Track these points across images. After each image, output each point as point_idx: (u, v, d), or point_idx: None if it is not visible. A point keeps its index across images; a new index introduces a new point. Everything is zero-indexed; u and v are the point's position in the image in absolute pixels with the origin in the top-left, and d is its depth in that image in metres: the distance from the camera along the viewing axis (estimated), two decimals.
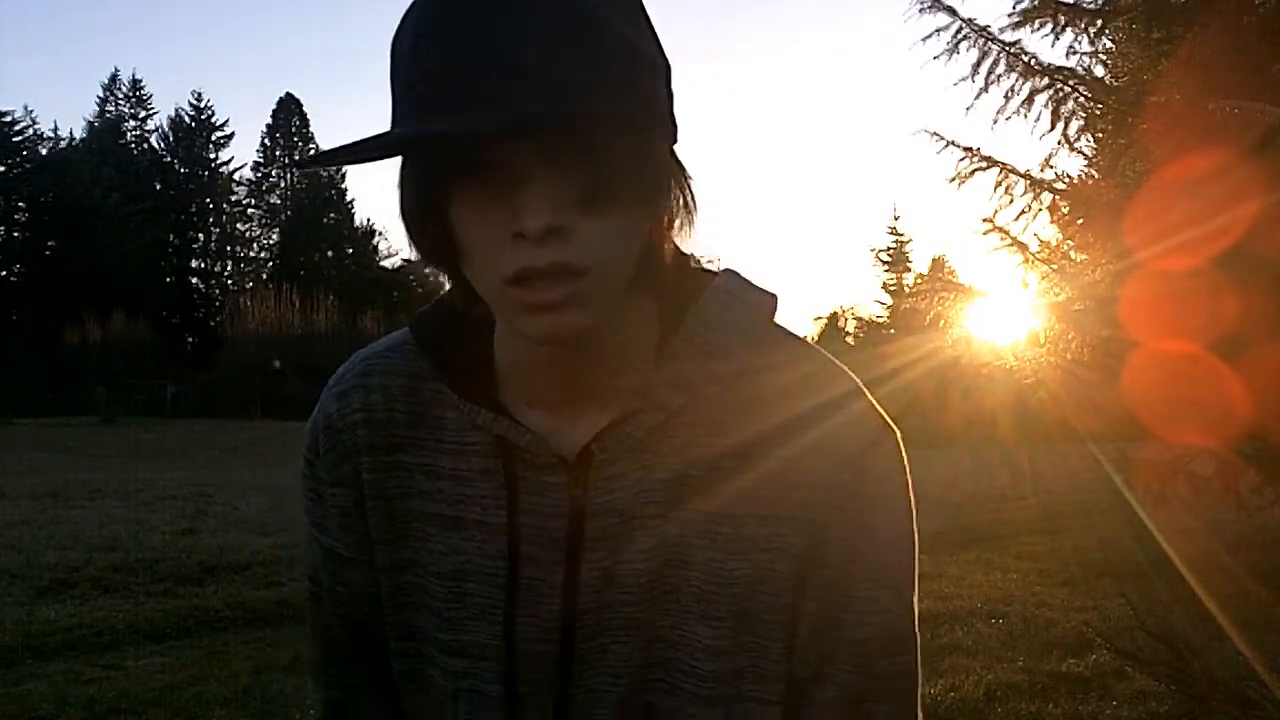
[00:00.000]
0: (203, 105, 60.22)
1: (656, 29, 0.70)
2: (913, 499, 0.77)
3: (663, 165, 0.69)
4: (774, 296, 0.79)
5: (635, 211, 0.67)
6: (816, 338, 50.62)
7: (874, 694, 0.75)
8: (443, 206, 0.66)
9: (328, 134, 63.88)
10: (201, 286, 60.36)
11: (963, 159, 4.14)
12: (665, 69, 0.70)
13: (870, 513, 0.74)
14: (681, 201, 0.71)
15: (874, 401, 0.78)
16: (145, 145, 60.36)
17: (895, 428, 0.78)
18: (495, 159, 0.63)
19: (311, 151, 60.40)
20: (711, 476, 0.74)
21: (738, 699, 0.74)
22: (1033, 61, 4.07)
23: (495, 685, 0.77)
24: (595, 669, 0.75)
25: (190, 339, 55.36)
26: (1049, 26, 4.00)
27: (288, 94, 65.29)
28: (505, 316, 0.70)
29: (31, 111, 74.06)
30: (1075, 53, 4.09)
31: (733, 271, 0.80)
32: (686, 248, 0.79)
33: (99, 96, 62.89)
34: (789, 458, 0.73)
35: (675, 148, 0.71)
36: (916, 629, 0.78)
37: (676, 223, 0.72)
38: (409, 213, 0.69)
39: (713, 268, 0.81)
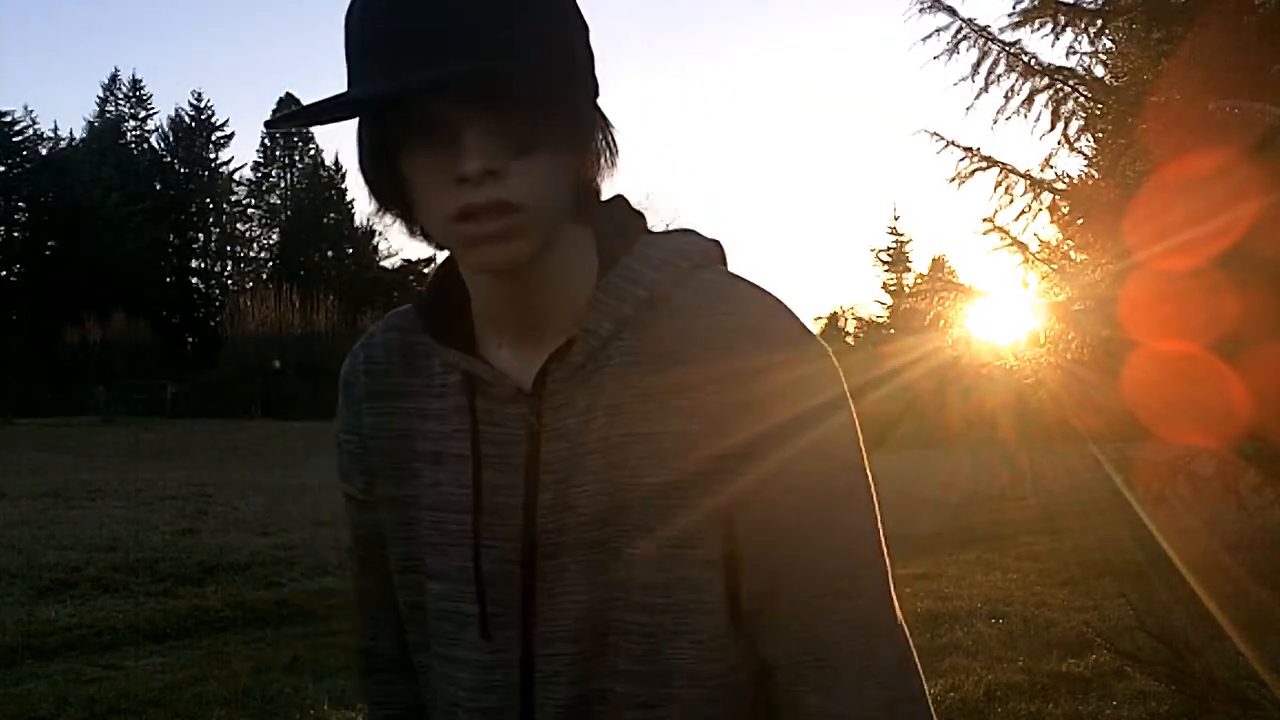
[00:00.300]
0: (203, 105, 60.28)
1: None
2: (838, 379, 0.82)
3: (585, 115, 0.78)
4: (714, 242, 0.87)
5: (562, 154, 0.75)
6: None
7: (840, 593, 0.79)
8: (394, 158, 0.75)
9: (327, 133, 63.92)
10: (201, 286, 60.36)
11: (963, 159, 4.14)
12: (584, 31, 0.78)
13: (797, 423, 0.79)
14: (605, 145, 0.80)
15: (797, 321, 0.82)
16: (145, 145, 60.37)
17: (821, 342, 0.82)
18: (437, 114, 0.72)
19: (311, 150, 60.78)
20: (653, 401, 0.79)
21: (682, 609, 0.79)
22: (1033, 61, 4.06)
23: (471, 605, 0.84)
24: (557, 587, 0.81)
25: (190, 339, 55.35)
26: (1049, 26, 3.99)
27: (288, 94, 65.23)
28: (455, 251, 0.78)
29: (31, 111, 74.10)
30: (1075, 53, 4.09)
31: (690, 229, 0.89)
32: (655, 219, 0.87)
33: (99, 96, 62.99)
34: (723, 382, 0.78)
35: (598, 101, 0.80)
36: (872, 546, 0.81)
37: (602, 163, 0.80)
38: (366, 165, 0.78)
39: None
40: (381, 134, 0.75)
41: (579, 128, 0.77)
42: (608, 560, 0.80)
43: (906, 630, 0.82)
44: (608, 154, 0.80)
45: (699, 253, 0.85)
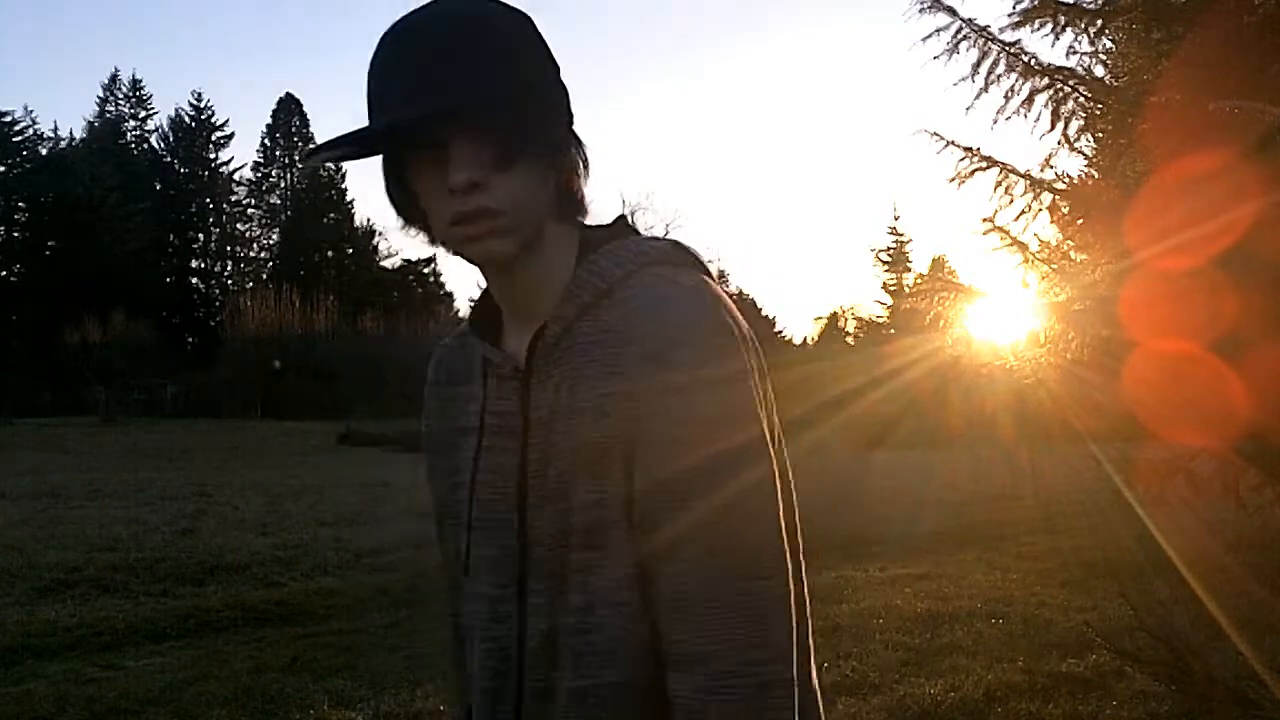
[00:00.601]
0: (203, 105, 60.25)
1: (546, 43, 0.98)
2: (726, 383, 0.92)
3: (555, 135, 0.96)
4: (676, 245, 1.02)
5: (537, 167, 0.93)
6: (817, 338, 50.69)
7: (713, 543, 0.90)
8: (405, 177, 0.96)
9: (328, 134, 63.68)
10: (201, 286, 60.33)
11: (963, 159, 4.13)
12: (550, 70, 0.97)
13: (673, 395, 0.91)
14: (578, 160, 0.99)
15: (717, 321, 0.93)
16: (145, 145, 60.35)
17: (728, 339, 0.92)
18: (434, 140, 0.91)
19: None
20: (596, 376, 0.94)
21: (602, 546, 0.94)
22: (1033, 61, 4.06)
23: (479, 548, 1.03)
24: (539, 531, 0.97)
25: (190, 339, 55.29)
26: (1049, 26, 3.98)
27: (288, 94, 65.31)
28: (456, 251, 0.96)
29: (31, 111, 73.79)
30: (1075, 53, 4.08)
31: (668, 237, 1.05)
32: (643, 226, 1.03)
33: (99, 96, 62.92)
34: (639, 366, 0.91)
35: (571, 124, 0.99)
36: (756, 507, 0.92)
37: (577, 174, 0.99)
38: (389, 188, 0.99)
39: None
40: (393, 158, 0.96)
41: (550, 146, 0.95)
42: (567, 509, 0.95)
43: (787, 591, 0.91)
44: (581, 166, 0.99)
45: (657, 252, 0.99)
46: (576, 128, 1.01)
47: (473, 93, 0.90)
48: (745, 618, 0.88)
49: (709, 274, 1.02)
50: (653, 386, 0.91)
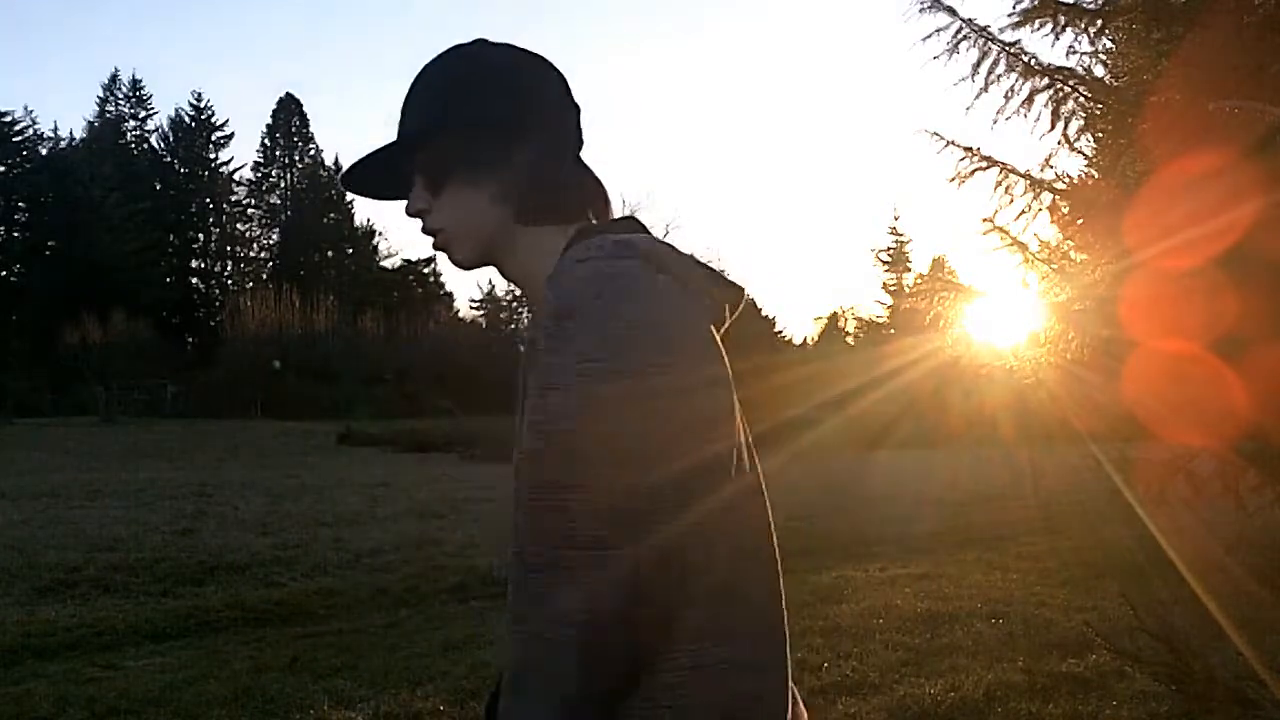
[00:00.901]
0: (203, 105, 60.27)
1: (504, 71, 1.12)
2: (610, 387, 0.94)
3: (486, 157, 1.10)
4: (621, 240, 1.04)
5: (464, 190, 1.10)
6: (817, 338, 50.70)
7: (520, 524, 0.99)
8: None
9: (328, 134, 63.88)
10: (201, 286, 60.33)
11: (963, 159, 4.12)
12: (506, 96, 1.10)
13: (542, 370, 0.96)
14: (523, 178, 1.10)
15: (598, 307, 0.96)
16: (145, 145, 60.35)
17: (593, 328, 0.95)
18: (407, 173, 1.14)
19: (311, 150, 61.11)
20: (527, 355, 1.03)
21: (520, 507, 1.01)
22: (1033, 61, 4.06)
23: None
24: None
25: (190, 339, 55.29)
26: (1049, 26, 3.98)
27: (288, 94, 65.28)
28: None
29: (31, 111, 73.93)
30: (1075, 53, 4.08)
31: (621, 237, 1.09)
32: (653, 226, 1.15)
33: (99, 96, 62.96)
34: (535, 344, 0.98)
35: (514, 146, 1.10)
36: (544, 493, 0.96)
37: (521, 190, 1.10)
38: None
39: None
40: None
41: (478, 166, 1.09)
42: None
43: (568, 587, 0.92)
44: (529, 182, 1.10)
45: (597, 249, 1.03)
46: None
47: (402, 136, 1.10)
48: (536, 581, 0.95)
49: (665, 270, 1.01)
50: (535, 363, 0.97)
